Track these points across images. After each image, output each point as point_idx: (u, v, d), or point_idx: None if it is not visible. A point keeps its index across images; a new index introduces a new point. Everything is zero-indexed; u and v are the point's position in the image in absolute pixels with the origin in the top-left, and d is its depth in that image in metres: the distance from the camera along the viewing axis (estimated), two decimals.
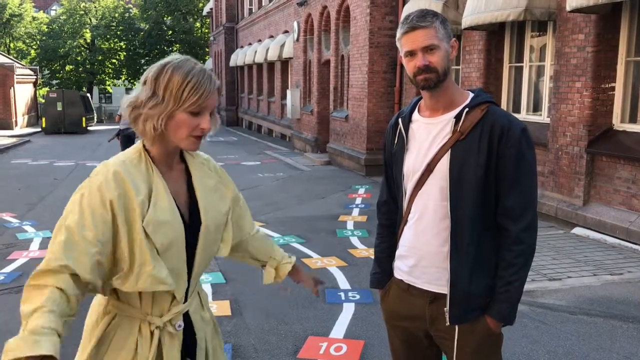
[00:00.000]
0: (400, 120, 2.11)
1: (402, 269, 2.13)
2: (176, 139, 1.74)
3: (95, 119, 34.60)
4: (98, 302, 1.85)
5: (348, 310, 4.85)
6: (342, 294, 5.24)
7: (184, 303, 1.83)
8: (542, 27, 8.78)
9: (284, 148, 19.19)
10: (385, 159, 2.23)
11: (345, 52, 14.40)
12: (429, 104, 2.05)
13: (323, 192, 10.78)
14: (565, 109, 7.72)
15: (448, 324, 2.00)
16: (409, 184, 2.06)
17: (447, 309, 1.98)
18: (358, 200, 9.83)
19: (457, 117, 1.97)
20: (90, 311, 1.86)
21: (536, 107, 9.09)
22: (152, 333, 1.77)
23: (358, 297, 5.16)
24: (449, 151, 1.95)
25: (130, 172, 1.71)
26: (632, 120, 7.27)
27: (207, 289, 5.32)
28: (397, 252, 2.16)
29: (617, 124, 7.33)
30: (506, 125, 1.93)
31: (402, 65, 12.39)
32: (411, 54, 1.94)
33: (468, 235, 1.95)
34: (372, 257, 6.85)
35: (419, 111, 2.10)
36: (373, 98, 12.70)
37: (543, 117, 8.61)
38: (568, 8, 7.00)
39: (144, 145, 1.78)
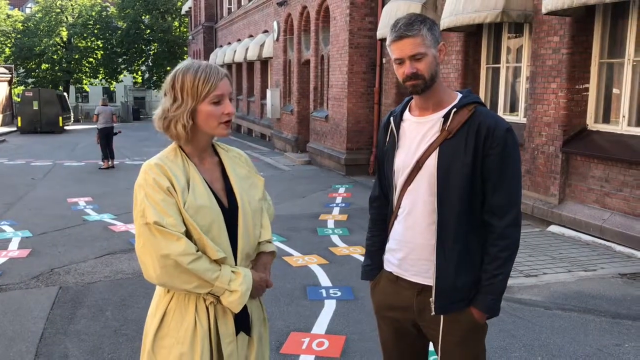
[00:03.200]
0: (392, 119, 2.21)
1: (392, 261, 2.21)
2: (209, 129, 1.99)
3: (72, 119, 34.19)
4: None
5: (329, 307, 4.92)
6: (324, 291, 5.31)
7: None
8: (519, 29, 8.94)
9: (264, 148, 19.21)
10: (378, 157, 2.33)
11: (325, 53, 14.48)
12: (419, 104, 2.14)
13: (304, 191, 10.85)
14: (541, 109, 7.88)
15: (433, 314, 2.08)
16: (399, 180, 2.15)
17: (432, 299, 2.07)
18: (338, 200, 9.91)
19: (446, 117, 2.06)
20: (154, 295, 2.08)
21: (513, 108, 9.25)
22: (207, 308, 1.97)
23: (339, 294, 5.24)
24: (437, 149, 2.04)
25: (169, 165, 1.95)
26: (605, 120, 7.46)
27: None
28: (388, 246, 2.25)
29: (591, 124, 7.51)
30: (492, 125, 2.02)
31: (381, 66, 12.55)
32: (399, 61, 2.03)
33: (454, 230, 2.03)
34: (353, 255, 6.94)
35: (409, 110, 2.19)
36: (353, 98, 12.80)
37: (519, 118, 8.77)
38: (544, 11, 7.16)
39: (179, 145, 2.03)
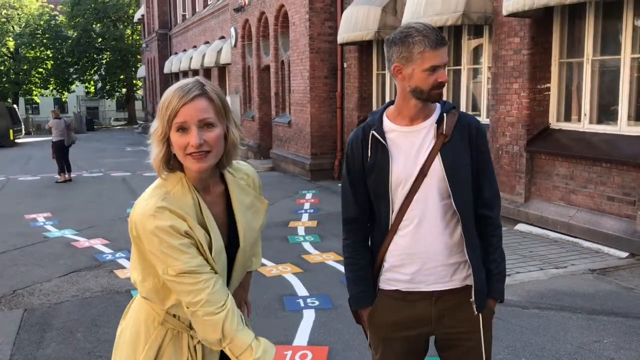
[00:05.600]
0: (374, 132, 2.11)
1: (399, 278, 2.14)
2: (182, 161, 1.72)
3: (24, 131, 33.11)
4: (145, 311, 1.83)
5: (309, 317, 4.84)
6: (301, 301, 5.22)
7: None
8: (478, 31, 9.07)
9: None
10: (351, 176, 2.18)
11: (286, 58, 14.40)
12: (412, 114, 2.10)
13: (270, 198, 10.60)
14: (504, 109, 8.00)
15: (476, 313, 2.11)
16: (398, 192, 2.08)
17: (472, 299, 2.10)
18: (306, 206, 9.83)
19: (439, 122, 2.09)
20: (131, 319, 1.86)
21: (475, 109, 9.37)
22: (195, 347, 1.84)
23: (317, 303, 5.16)
24: (439, 154, 2.06)
25: (179, 205, 1.71)
26: (567, 119, 7.61)
27: None
28: (387, 264, 2.16)
29: (554, 123, 7.66)
30: (476, 123, 2.15)
31: (342, 71, 12.55)
32: (435, 69, 2.00)
33: (472, 227, 2.11)
34: (327, 261, 6.84)
35: (390, 121, 2.13)
36: (316, 103, 12.76)
37: (482, 118, 8.88)
38: (504, 12, 7.26)
39: (184, 174, 1.77)
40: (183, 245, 1.66)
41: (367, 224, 2.21)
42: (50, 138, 14.33)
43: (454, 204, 2.05)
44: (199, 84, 1.71)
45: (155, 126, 1.72)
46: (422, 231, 2.08)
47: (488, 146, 2.19)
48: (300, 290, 5.54)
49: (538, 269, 5.93)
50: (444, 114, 2.09)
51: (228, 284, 1.86)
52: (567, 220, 7.00)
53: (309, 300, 5.24)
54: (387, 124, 2.13)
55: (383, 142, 2.09)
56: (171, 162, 1.75)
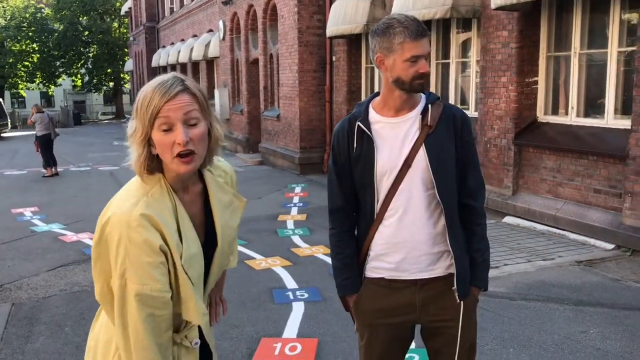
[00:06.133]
0: (359, 123, 2.14)
1: (384, 266, 2.18)
2: (167, 162, 1.65)
3: (9, 125, 32.78)
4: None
5: (298, 310, 4.85)
6: (290, 294, 5.23)
7: None
8: (467, 25, 9.09)
9: None
10: (337, 167, 2.21)
11: (274, 51, 14.36)
12: (397, 105, 2.12)
13: (259, 192, 10.70)
14: (492, 103, 8.03)
15: (458, 301, 2.14)
16: (383, 182, 2.11)
17: (455, 287, 2.13)
18: (296, 199, 9.84)
19: (423, 114, 2.11)
20: (103, 328, 1.81)
21: (463, 102, 9.40)
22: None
23: (306, 295, 5.17)
24: (423, 144, 2.08)
25: (158, 210, 1.64)
26: (554, 112, 7.66)
27: None
28: (373, 252, 2.19)
29: (541, 116, 7.71)
30: (461, 115, 2.16)
31: (331, 64, 12.53)
32: (416, 59, 2.02)
33: (456, 216, 2.13)
34: (316, 255, 6.84)
35: (376, 113, 2.16)
36: (304, 97, 12.74)
37: (470, 112, 8.91)
38: (493, 6, 7.28)
39: (163, 174, 1.71)
40: (150, 265, 1.59)
41: (352, 214, 2.24)
42: (35, 132, 14.21)
43: (437, 195, 2.08)
44: (179, 79, 1.64)
45: (134, 127, 1.63)
46: (406, 221, 2.11)
47: (472, 137, 2.20)
48: (290, 283, 5.55)
49: (525, 260, 5.98)
50: (429, 105, 2.12)
51: (205, 284, 1.83)
52: (554, 212, 7.05)
53: (298, 292, 5.25)
54: (372, 115, 2.15)
55: (368, 133, 2.11)
56: (150, 165, 1.67)
